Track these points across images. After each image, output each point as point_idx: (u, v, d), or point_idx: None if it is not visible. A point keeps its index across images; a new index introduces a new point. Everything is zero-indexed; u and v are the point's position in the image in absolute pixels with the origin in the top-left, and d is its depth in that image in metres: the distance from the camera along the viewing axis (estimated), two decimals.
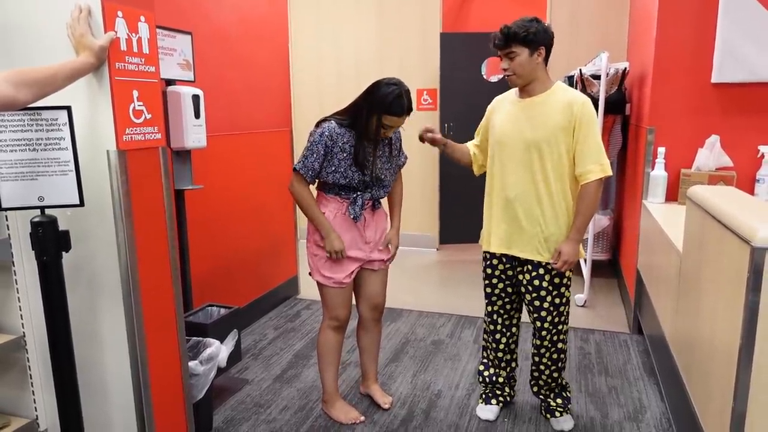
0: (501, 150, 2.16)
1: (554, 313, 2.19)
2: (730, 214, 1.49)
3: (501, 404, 2.45)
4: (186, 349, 2.08)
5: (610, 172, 2.07)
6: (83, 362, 1.78)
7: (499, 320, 2.35)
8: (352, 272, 2.26)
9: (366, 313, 2.41)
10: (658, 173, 3.01)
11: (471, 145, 2.39)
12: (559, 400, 2.35)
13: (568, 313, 2.24)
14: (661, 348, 2.47)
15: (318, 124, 2.18)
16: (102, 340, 1.81)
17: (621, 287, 3.92)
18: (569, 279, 2.20)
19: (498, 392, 2.44)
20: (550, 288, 2.16)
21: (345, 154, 2.13)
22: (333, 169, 2.13)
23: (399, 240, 2.35)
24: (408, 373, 2.82)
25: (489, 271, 2.29)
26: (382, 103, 2.05)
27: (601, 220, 4.13)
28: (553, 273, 2.15)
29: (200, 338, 2.35)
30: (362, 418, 2.39)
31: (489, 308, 2.36)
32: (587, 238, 3.74)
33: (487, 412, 2.41)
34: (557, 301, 2.18)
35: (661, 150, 3.00)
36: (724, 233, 1.50)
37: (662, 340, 2.43)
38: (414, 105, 2.25)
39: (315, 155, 2.13)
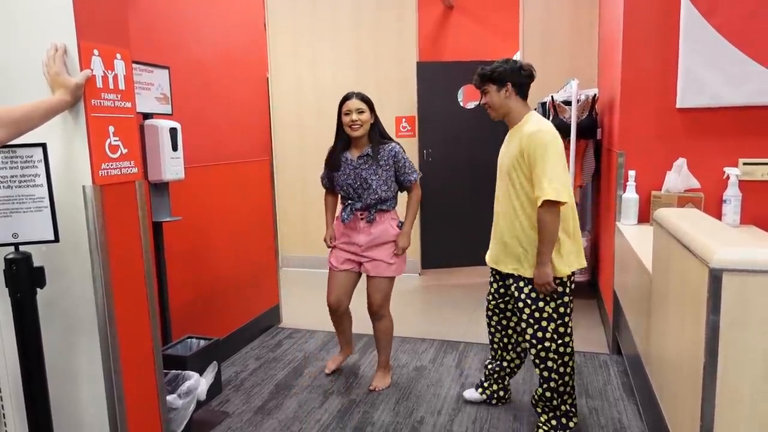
0: (498, 172, 2.43)
1: (535, 326, 2.28)
2: (691, 236, 1.55)
3: (484, 395, 2.70)
4: (164, 383, 2.07)
5: (561, 198, 2.08)
6: (58, 400, 1.76)
7: (495, 318, 2.60)
8: (344, 262, 2.82)
9: (368, 308, 2.88)
10: (630, 196, 3.09)
11: None
12: (543, 418, 2.40)
13: (555, 331, 2.27)
14: (638, 368, 2.51)
15: None
16: (77, 376, 1.80)
17: (600, 308, 3.97)
18: (547, 294, 2.27)
19: (483, 381, 2.71)
20: (528, 301, 2.28)
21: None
22: (335, 180, 2.81)
23: (407, 241, 2.81)
24: (390, 401, 2.81)
25: (491, 280, 2.57)
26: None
27: None
28: (531, 286, 2.28)
29: (179, 371, 2.33)
30: (333, 367, 3.09)
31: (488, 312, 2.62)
32: None
33: (470, 393, 2.74)
34: (537, 315, 2.27)
35: (632, 173, 3.09)
36: (686, 254, 1.55)
37: (638, 360, 2.47)
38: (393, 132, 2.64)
39: (323, 171, 2.91)
